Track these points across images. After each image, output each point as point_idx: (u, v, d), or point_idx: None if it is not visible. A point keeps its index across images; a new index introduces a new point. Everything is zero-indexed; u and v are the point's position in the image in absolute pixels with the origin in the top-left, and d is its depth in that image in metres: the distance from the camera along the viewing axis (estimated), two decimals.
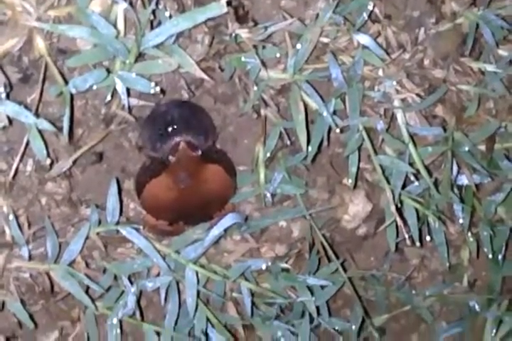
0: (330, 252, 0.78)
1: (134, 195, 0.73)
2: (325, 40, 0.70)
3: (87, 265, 0.72)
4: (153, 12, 0.62)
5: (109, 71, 0.63)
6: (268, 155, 0.73)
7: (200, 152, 0.68)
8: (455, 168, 0.76)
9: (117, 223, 0.70)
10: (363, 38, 0.68)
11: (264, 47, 0.68)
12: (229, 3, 0.62)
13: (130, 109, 0.67)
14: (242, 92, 0.71)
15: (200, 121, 0.70)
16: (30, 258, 0.68)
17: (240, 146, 0.76)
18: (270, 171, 0.75)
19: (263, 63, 0.68)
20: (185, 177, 0.70)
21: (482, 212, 0.81)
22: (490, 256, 0.83)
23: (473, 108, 0.76)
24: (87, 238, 0.69)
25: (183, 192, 0.71)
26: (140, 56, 0.64)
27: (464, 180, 0.78)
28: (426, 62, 0.74)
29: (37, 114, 0.62)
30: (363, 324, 0.83)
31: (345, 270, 0.80)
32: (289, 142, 0.72)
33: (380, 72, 0.71)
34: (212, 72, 0.68)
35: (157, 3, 0.61)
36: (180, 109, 0.69)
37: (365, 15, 0.68)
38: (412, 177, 0.76)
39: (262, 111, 0.72)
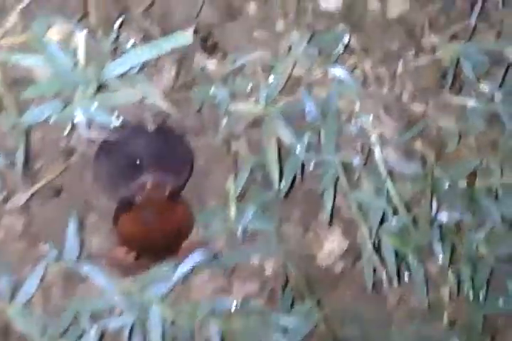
0: (304, 290, 0.74)
1: (98, 229, 0.70)
2: (299, 72, 0.67)
3: (45, 304, 0.68)
4: (116, 41, 0.59)
5: (68, 102, 0.60)
6: (239, 190, 0.69)
7: (167, 192, 0.65)
8: (435, 205, 0.73)
9: (78, 258, 0.67)
10: (339, 71, 0.65)
11: (234, 78, 0.65)
12: (196, 33, 0.59)
13: (90, 142, 0.64)
14: (212, 125, 0.68)
15: (174, 153, 0.67)
16: None
17: (210, 180, 0.72)
18: (242, 206, 0.71)
19: (233, 95, 0.65)
20: (152, 215, 0.67)
21: (463, 249, 0.78)
22: (471, 294, 0.80)
23: (454, 143, 0.74)
24: (44, 275, 0.66)
25: (150, 228, 0.68)
26: (102, 86, 0.61)
27: (444, 216, 0.75)
28: (405, 96, 0.71)
29: None
30: None
31: (320, 308, 0.76)
32: (259, 179, 0.68)
33: (357, 106, 0.68)
34: (180, 103, 0.65)
35: (119, 32, 0.58)
36: (148, 138, 0.66)
37: (340, 47, 0.65)
38: (390, 213, 0.73)
39: (233, 145, 0.69)
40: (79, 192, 0.69)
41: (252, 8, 0.66)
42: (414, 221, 0.73)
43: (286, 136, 0.67)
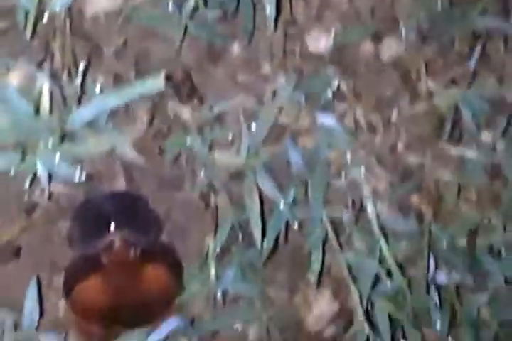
0: None
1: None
2: (284, 119, 0.61)
3: None
4: (83, 85, 0.53)
5: (29, 153, 0.54)
6: (218, 249, 0.63)
7: (138, 251, 0.59)
8: (432, 265, 0.68)
9: (38, 328, 0.60)
10: (327, 119, 0.60)
11: (213, 127, 0.60)
12: (170, 78, 0.54)
13: (54, 197, 0.58)
14: (189, 177, 0.62)
15: (140, 213, 0.61)
16: None
17: (188, 238, 0.66)
18: (222, 267, 0.65)
19: (212, 145, 0.59)
20: (121, 278, 0.60)
21: (463, 313, 0.72)
22: None
23: (453, 198, 0.68)
24: None
25: (119, 293, 0.61)
26: (67, 135, 0.55)
27: (442, 278, 0.69)
28: (399, 146, 0.66)
29: None
30: None
31: None
32: (241, 237, 0.62)
33: (348, 157, 0.63)
34: (153, 154, 0.59)
35: (86, 75, 0.53)
36: (116, 200, 0.60)
37: (330, 92, 0.60)
38: (384, 275, 0.66)
39: (212, 200, 0.63)
40: (42, 253, 0.63)
41: (235, 49, 0.61)
42: (410, 283, 0.67)
43: (270, 190, 0.61)
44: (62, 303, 0.65)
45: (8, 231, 0.59)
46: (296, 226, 0.60)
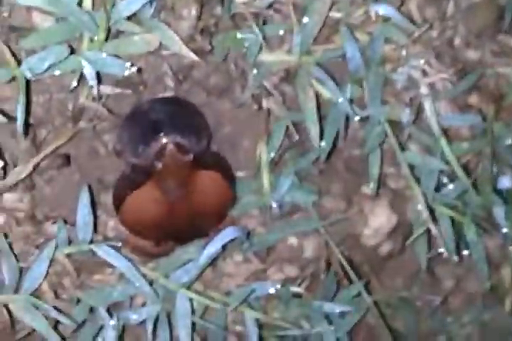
0: (351, 273, 0.65)
1: (113, 210, 0.61)
2: (336, 14, 0.58)
3: (56, 295, 0.59)
4: None
5: (72, 52, 0.51)
6: (272, 155, 0.60)
7: (192, 156, 0.56)
8: (495, 167, 0.64)
9: (91, 242, 0.58)
10: (383, 9, 0.56)
11: (264, 22, 0.56)
12: None
13: (102, 100, 0.55)
14: (239, 79, 0.59)
15: (191, 118, 0.58)
16: None
17: (238, 148, 0.64)
18: (276, 176, 0.62)
19: (263, 43, 0.56)
20: (174, 187, 0.58)
21: None
22: None
23: None
24: (54, 261, 0.57)
25: (172, 204, 0.58)
26: (113, 34, 0.53)
27: (505, 182, 0.66)
28: (456, 41, 0.63)
29: None
30: None
31: (368, 294, 0.67)
32: (297, 137, 0.59)
33: (404, 52, 0.59)
34: (203, 51, 0.56)
35: None
36: (166, 105, 0.58)
37: None
38: (445, 180, 0.64)
39: (264, 103, 0.60)
40: (92, 167, 0.60)
41: None
42: (474, 186, 0.64)
43: (326, 88, 0.58)
44: (111, 222, 0.63)
45: (55, 139, 0.56)
46: (356, 119, 0.57)
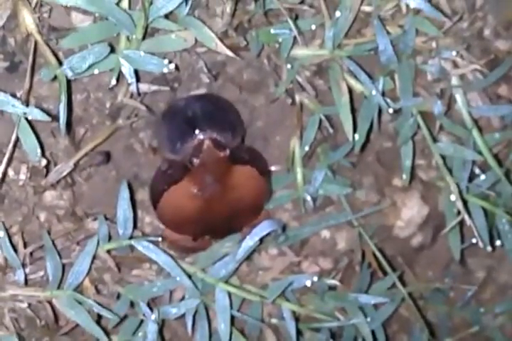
0: (384, 264, 0.66)
1: (149, 207, 0.62)
2: (367, 8, 0.59)
3: (97, 290, 0.60)
4: None
5: (112, 51, 0.52)
6: (306, 149, 0.61)
7: (228, 151, 0.57)
8: None
9: (131, 237, 0.59)
10: (414, 1, 0.57)
11: (296, 17, 0.57)
12: None
13: (140, 97, 0.56)
14: (272, 75, 0.60)
15: (226, 115, 0.59)
16: (28, 283, 0.57)
17: (271, 143, 0.64)
18: (309, 170, 0.63)
19: (295, 38, 0.57)
20: (211, 183, 0.58)
21: None
22: None
23: None
24: (95, 257, 0.58)
25: (208, 200, 0.59)
26: (148, 33, 0.53)
27: None
28: (486, 32, 0.63)
29: (27, 104, 0.51)
30: None
31: (403, 286, 0.68)
32: (331, 130, 0.60)
33: (435, 44, 0.60)
34: (236, 51, 0.56)
35: None
36: (201, 102, 0.58)
37: None
38: (477, 171, 0.64)
39: (297, 98, 0.60)
40: (129, 164, 0.61)
41: None
42: (507, 176, 0.64)
43: (358, 83, 0.59)
44: (148, 219, 0.64)
45: (95, 138, 0.57)
46: (390, 111, 0.57)
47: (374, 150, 0.67)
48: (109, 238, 0.59)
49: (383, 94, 0.59)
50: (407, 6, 0.57)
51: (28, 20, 0.51)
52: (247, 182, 0.60)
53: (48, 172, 0.57)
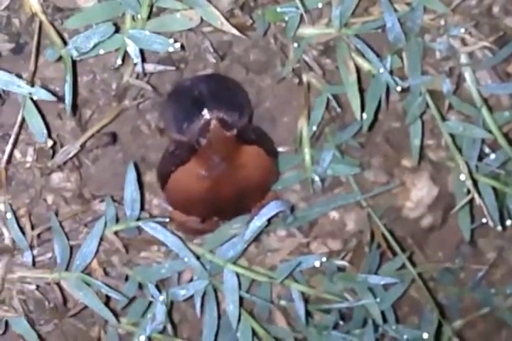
0: (394, 245, 0.65)
1: (157, 189, 0.62)
2: None
3: (106, 272, 0.60)
4: None
5: (117, 31, 0.52)
6: (314, 129, 0.60)
7: (235, 131, 0.57)
8: None
9: (138, 219, 0.58)
10: None
11: None
12: None
13: (146, 77, 0.56)
14: (279, 54, 0.59)
15: (233, 94, 0.59)
16: (36, 265, 0.57)
17: (278, 124, 0.64)
18: (317, 151, 0.63)
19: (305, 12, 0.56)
20: (219, 163, 0.58)
21: None
22: None
23: None
24: (102, 239, 0.58)
25: (216, 180, 0.59)
26: (154, 12, 0.53)
27: None
28: (495, 9, 0.62)
29: (32, 84, 0.51)
30: (437, 331, 0.70)
31: (412, 267, 0.67)
32: (339, 110, 0.59)
33: (443, 22, 0.59)
34: (242, 30, 0.56)
35: None
36: (208, 81, 0.58)
37: None
38: (487, 150, 0.64)
39: (304, 77, 0.60)
40: (136, 146, 0.61)
41: None
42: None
43: (365, 61, 0.58)
44: (155, 200, 0.64)
45: (100, 118, 0.57)
46: (398, 89, 0.57)
47: (382, 130, 0.66)
48: (117, 220, 0.59)
49: (391, 73, 0.59)
50: None
51: (32, 0, 0.51)
52: (254, 162, 0.59)
53: (54, 154, 0.57)
